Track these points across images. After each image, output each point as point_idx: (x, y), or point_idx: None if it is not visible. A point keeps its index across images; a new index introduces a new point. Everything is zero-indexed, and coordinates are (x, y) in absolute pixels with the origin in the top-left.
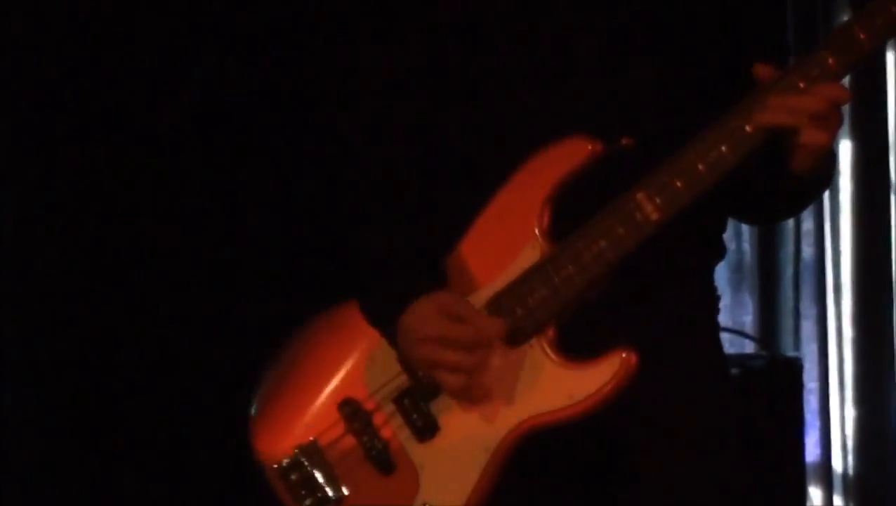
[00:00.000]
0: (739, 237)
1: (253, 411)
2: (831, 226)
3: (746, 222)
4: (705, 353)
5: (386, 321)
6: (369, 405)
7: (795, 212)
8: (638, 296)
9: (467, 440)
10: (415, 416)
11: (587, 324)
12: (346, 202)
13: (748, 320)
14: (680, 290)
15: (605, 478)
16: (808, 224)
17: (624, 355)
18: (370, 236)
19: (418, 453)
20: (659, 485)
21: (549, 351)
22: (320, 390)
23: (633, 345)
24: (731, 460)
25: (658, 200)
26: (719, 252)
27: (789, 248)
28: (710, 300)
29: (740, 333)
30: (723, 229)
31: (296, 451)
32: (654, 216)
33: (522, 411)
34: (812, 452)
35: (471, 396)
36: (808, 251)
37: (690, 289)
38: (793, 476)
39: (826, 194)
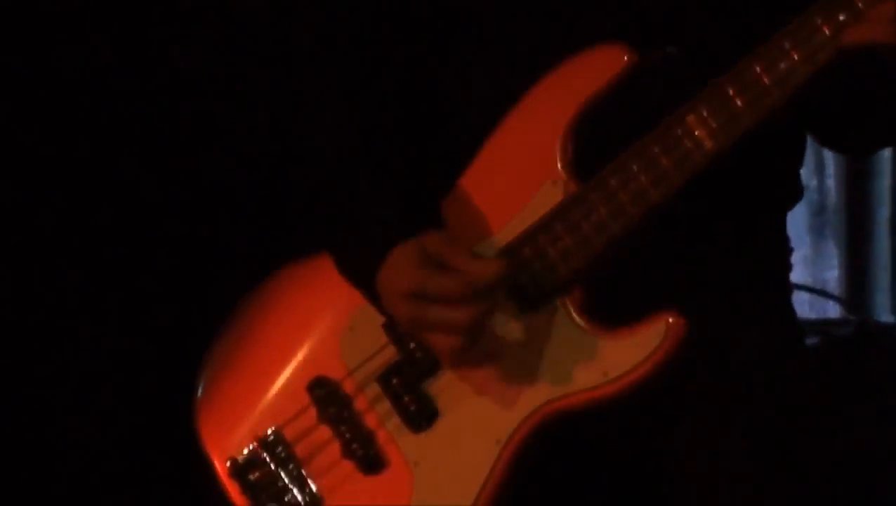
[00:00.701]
0: (822, 170)
1: (200, 391)
2: None
3: (836, 149)
4: (771, 319)
5: (365, 278)
6: (348, 387)
7: None
8: (686, 248)
9: (474, 430)
10: (406, 399)
11: (623, 283)
12: (319, 139)
13: (832, 277)
14: (740, 241)
15: (638, 473)
16: None
17: (671, 320)
18: (343, 175)
19: (412, 446)
20: (705, 484)
21: (576, 316)
22: (285, 367)
23: (681, 309)
24: (801, 456)
25: (713, 124)
26: (794, 193)
27: (884, 182)
28: (780, 254)
29: (822, 294)
30: (799, 164)
31: (255, 444)
32: (708, 144)
33: (544, 392)
34: None
35: (476, 367)
36: None
37: (754, 240)
38: (890, 475)
39: None
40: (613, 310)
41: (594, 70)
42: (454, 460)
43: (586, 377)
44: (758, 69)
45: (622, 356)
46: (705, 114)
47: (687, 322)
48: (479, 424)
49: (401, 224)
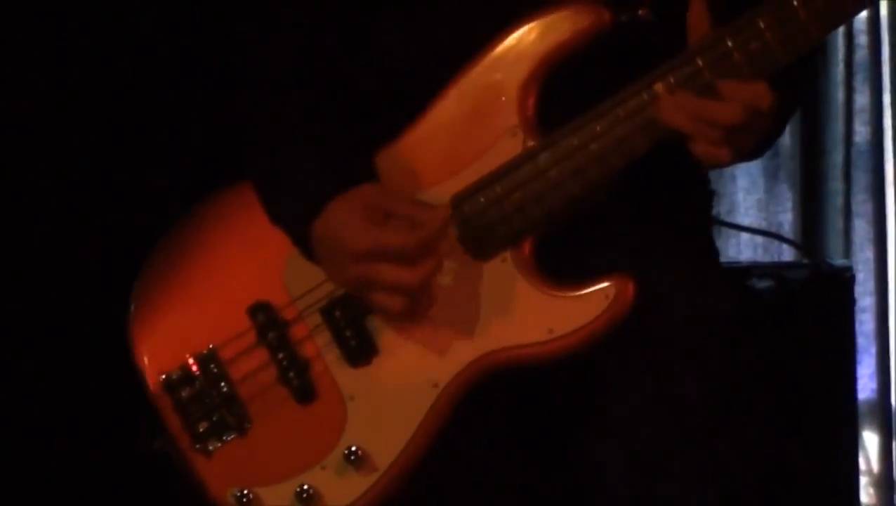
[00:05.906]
0: None
1: (133, 306)
2: (893, 100)
3: None
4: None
5: (295, 227)
6: (289, 313)
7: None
8: (629, 206)
9: (412, 371)
10: (348, 333)
11: (570, 239)
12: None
13: (786, 220)
14: (673, 195)
15: (566, 417)
16: (861, 98)
17: (619, 285)
18: (275, 126)
19: (348, 381)
20: (625, 425)
21: (525, 271)
22: (226, 287)
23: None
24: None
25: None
26: None
27: (838, 127)
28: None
29: (776, 237)
30: None
31: (189, 360)
32: None
33: (487, 342)
34: (866, 386)
35: (419, 316)
36: (861, 132)
37: (683, 190)
38: (842, 417)
39: (885, 58)
40: (559, 265)
41: (562, 25)
42: (390, 399)
43: (531, 332)
44: (729, 44)
45: (569, 316)
46: (674, 83)
47: (635, 286)
48: (419, 365)
49: (334, 175)
